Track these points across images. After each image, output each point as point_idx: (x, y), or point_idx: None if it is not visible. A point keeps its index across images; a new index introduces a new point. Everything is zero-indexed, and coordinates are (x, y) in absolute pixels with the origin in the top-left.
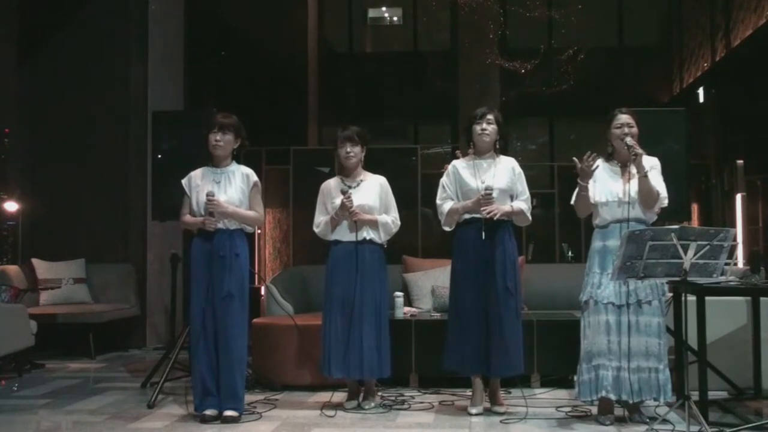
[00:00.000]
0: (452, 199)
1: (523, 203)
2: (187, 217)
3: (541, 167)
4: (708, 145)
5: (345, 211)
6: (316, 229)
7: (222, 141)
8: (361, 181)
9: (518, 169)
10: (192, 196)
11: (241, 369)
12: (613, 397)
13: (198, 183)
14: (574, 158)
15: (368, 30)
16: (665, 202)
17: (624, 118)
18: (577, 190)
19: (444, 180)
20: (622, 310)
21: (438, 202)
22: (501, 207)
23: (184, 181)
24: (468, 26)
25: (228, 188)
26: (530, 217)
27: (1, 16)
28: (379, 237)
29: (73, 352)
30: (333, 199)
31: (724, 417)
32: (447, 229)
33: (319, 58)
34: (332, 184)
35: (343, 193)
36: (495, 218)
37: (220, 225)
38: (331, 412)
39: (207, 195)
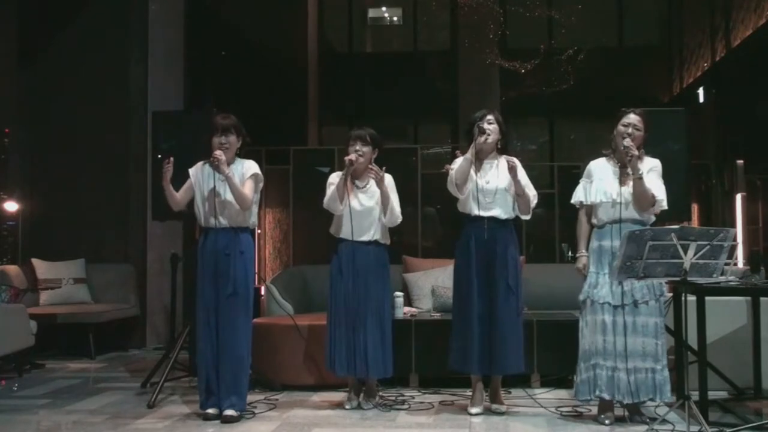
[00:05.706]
0: None
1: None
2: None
3: (541, 167)
4: (708, 145)
5: (351, 166)
6: (324, 203)
7: (227, 143)
8: (371, 180)
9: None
10: (196, 191)
11: (244, 368)
12: (607, 396)
13: (203, 180)
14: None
15: (368, 30)
16: (663, 205)
17: (633, 118)
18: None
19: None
20: (618, 310)
21: (448, 183)
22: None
23: (191, 170)
24: (468, 26)
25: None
26: (533, 203)
27: (1, 16)
28: (383, 231)
29: (73, 352)
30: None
31: (724, 417)
32: (460, 196)
33: (319, 58)
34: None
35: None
36: (511, 165)
37: (225, 223)
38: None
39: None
